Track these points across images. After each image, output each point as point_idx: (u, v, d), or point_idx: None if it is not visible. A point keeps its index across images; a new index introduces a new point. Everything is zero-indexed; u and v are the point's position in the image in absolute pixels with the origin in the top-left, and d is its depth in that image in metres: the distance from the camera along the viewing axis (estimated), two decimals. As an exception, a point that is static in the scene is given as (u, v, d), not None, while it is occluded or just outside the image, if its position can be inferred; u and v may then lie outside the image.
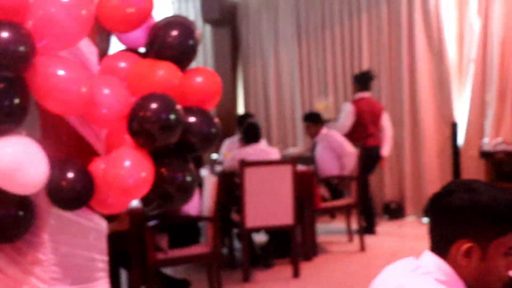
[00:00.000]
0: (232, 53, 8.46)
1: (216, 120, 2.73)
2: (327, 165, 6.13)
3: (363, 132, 6.43)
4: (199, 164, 5.46)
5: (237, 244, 5.66)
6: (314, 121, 6.23)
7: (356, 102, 6.53)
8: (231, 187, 5.24)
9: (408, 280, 1.58)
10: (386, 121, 6.65)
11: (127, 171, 2.40)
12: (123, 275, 4.48)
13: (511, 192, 1.62)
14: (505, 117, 6.88)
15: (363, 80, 6.64)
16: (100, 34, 2.60)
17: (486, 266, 1.56)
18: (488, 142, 6.80)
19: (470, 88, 7.01)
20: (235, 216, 5.41)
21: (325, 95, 7.87)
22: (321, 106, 7.30)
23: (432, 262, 1.60)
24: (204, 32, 8.70)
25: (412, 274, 1.59)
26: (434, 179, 7.01)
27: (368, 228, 6.39)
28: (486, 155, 6.58)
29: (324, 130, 6.24)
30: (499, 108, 6.88)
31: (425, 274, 1.57)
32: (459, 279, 1.57)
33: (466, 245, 1.55)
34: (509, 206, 1.56)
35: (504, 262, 1.57)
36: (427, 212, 1.68)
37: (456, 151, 7.06)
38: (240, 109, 8.53)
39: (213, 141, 2.72)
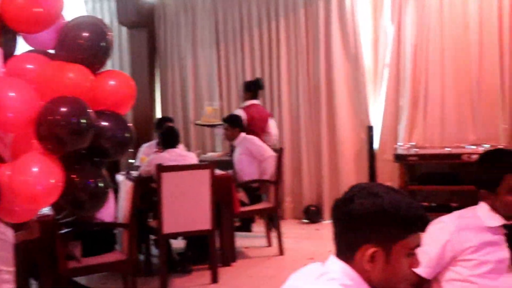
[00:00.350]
0: (149, 56, 8.33)
1: (130, 124, 2.67)
2: (246, 169, 6.13)
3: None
4: (115, 169, 5.35)
5: (154, 251, 5.56)
6: (232, 124, 6.21)
7: (247, 109, 6.62)
8: (147, 192, 5.13)
9: (314, 287, 1.58)
10: (272, 127, 6.83)
11: (35, 178, 2.30)
12: (34, 286, 4.30)
13: (410, 194, 1.66)
14: (418, 122, 7.10)
15: (253, 88, 6.80)
16: (5, 34, 2.48)
17: (390, 269, 1.58)
18: (402, 145, 6.99)
19: (385, 93, 7.20)
20: (152, 222, 5.31)
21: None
22: (210, 109, 7.33)
23: (337, 268, 1.60)
24: (120, 34, 8.53)
25: (318, 281, 1.58)
26: (351, 182, 7.09)
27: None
28: (400, 158, 6.77)
29: (243, 134, 6.23)
30: (412, 113, 7.10)
31: (330, 280, 1.57)
32: (364, 283, 1.58)
33: (370, 250, 1.57)
34: (409, 209, 1.59)
35: (407, 262, 1.60)
36: (331, 218, 1.69)
37: (371, 155, 7.23)
38: (158, 113, 8.40)
39: (127, 146, 2.65)
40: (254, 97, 6.83)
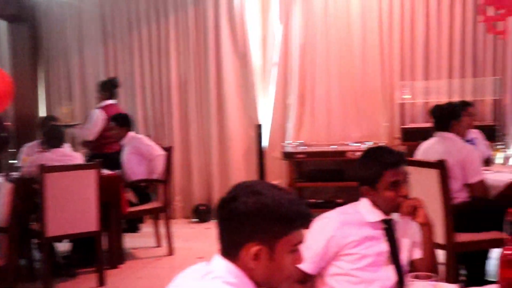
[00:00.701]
0: (31, 52, 7.95)
1: (8, 123, 2.53)
2: (134, 169, 6.01)
3: (109, 138, 6.45)
4: (-6, 170, 5.08)
5: (37, 255, 5.33)
6: (119, 123, 6.07)
7: (105, 109, 6.58)
8: (30, 194, 4.90)
9: (199, 286, 1.57)
10: None
11: None
12: None
13: (297, 191, 1.69)
14: (305, 120, 7.28)
15: (108, 88, 6.75)
16: None
17: (274, 266, 1.60)
18: (290, 143, 7.13)
19: (273, 92, 7.32)
20: (34, 225, 5.09)
21: (132, 97, 7.71)
22: (65, 110, 7.19)
23: (222, 266, 1.61)
24: (-1, 28, 8.11)
25: (202, 280, 1.58)
26: (241, 180, 7.08)
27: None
28: (288, 156, 6.90)
29: (132, 133, 6.11)
30: (300, 111, 7.27)
31: (214, 279, 1.57)
32: (249, 281, 1.59)
33: (254, 248, 1.58)
34: (292, 206, 1.61)
35: (290, 258, 1.62)
36: (216, 218, 1.69)
37: (260, 153, 7.31)
38: (42, 112, 8.05)
39: (3, 145, 2.51)
40: (111, 97, 6.73)
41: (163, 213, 5.99)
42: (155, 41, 7.66)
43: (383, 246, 2.50)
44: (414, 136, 6.13)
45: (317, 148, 6.99)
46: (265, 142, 7.34)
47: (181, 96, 7.60)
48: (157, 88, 7.65)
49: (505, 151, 4.99)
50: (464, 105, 5.15)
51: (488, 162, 4.93)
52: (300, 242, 1.65)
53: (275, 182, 6.97)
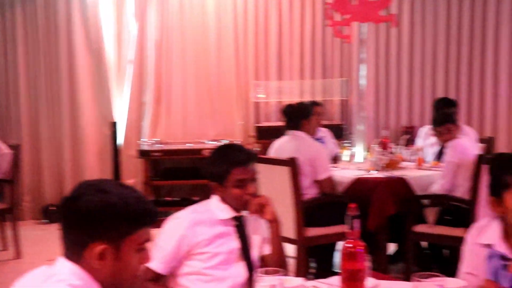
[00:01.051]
0: None
1: None
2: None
3: None
4: None
5: None
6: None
7: None
8: None
9: None
10: None
11: None
12: None
13: (154, 189, 1.67)
14: (161, 118, 7.24)
15: None
16: None
17: (121, 265, 1.58)
18: (146, 141, 7.06)
19: (129, 89, 7.19)
20: None
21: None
22: None
23: (65, 268, 1.57)
24: None
25: (45, 284, 1.53)
26: (95, 178, 6.97)
27: None
28: (143, 154, 6.83)
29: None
30: (156, 109, 7.22)
31: (58, 282, 1.53)
32: (94, 282, 1.56)
33: (99, 248, 1.55)
34: (138, 204, 1.60)
35: (137, 257, 1.61)
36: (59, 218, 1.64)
37: (116, 151, 7.17)
38: None
39: None
40: None
41: (9, 215, 5.69)
42: (0, 35, 7.20)
43: (235, 243, 2.54)
44: (268, 134, 6.32)
45: (173, 146, 6.99)
46: (120, 140, 7.20)
47: (30, 91, 7.22)
48: (2, 82, 7.22)
49: (351, 149, 5.26)
50: (313, 105, 5.38)
51: (335, 159, 5.17)
52: (147, 240, 1.64)
53: (130, 180, 6.92)
